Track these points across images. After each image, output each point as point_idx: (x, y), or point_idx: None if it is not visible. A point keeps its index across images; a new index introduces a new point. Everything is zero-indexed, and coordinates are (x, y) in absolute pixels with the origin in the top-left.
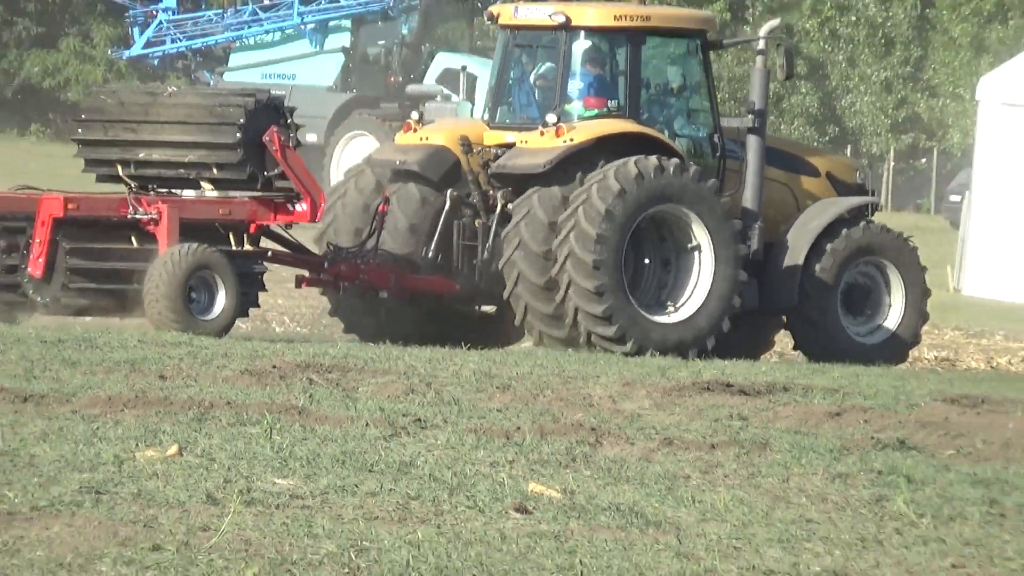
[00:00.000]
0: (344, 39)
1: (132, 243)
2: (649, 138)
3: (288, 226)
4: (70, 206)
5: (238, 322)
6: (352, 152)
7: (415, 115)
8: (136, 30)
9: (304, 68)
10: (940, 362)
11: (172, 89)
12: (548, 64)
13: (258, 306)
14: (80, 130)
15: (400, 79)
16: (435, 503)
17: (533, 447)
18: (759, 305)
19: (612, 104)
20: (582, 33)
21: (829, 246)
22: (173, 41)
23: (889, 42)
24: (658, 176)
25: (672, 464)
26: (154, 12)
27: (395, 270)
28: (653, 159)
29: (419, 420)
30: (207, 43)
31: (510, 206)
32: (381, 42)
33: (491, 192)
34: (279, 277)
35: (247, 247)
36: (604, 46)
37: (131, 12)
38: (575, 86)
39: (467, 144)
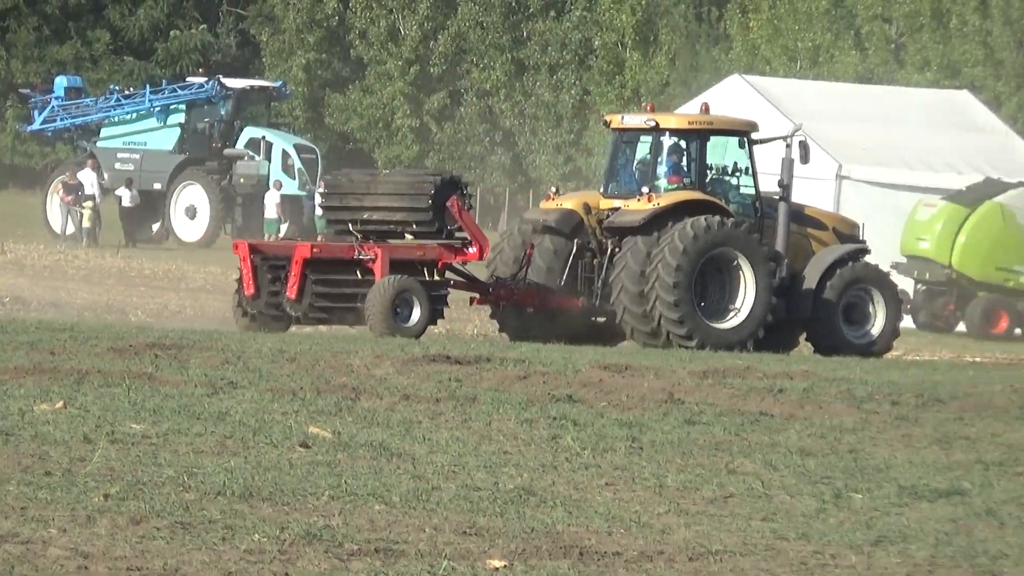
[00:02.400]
0: (181, 117)
1: (357, 275)
2: (710, 203)
3: (464, 264)
4: (315, 250)
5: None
6: (185, 195)
7: (553, 189)
8: (36, 111)
9: (152, 137)
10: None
11: (385, 172)
12: (644, 154)
13: (444, 317)
14: (324, 200)
15: (219, 145)
16: (243, 441)
17: (312, 401)
18: (786, 315)
19: (686, 181)
20: (667, 133)
21: (833, 276)
22: (62, 120)
23: (559, 118)
24: (710, 230)
25: (409, 413)
26: (49, 99)
27: (537, 293)
28: (712, 218)
29: (232, 383)
30: (86, 120)
31: (617, 250)
32: (207, 119)
33: (604, 240)
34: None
35: (436, 278)
36: (681, 142)
37: (33, 99)
38: (661, 169)
39: (588, 208)
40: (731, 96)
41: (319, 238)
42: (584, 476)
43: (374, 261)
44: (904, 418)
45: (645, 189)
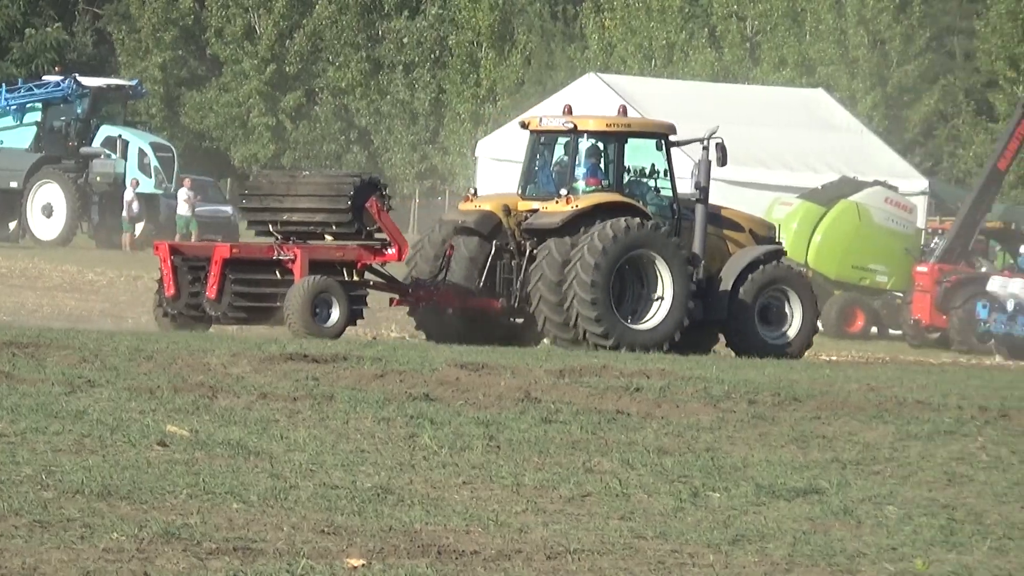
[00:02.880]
0: (37, 116)
1: (277, 275)
2: (628, 205)
3: (383, 264)
4: (234, 251)
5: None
6: (41, 193)
7: (472, 190)
8: None
9: (9, 136)
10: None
11: (305, 173)
12: (562, 156)
13: (363, 318)
14: (244, 201)
15: (76, 143)
16: (101, 440)
17: (169, 399)
18: (703, 317)
19: (604, 183)
20: (584, 135)
21: (749, 277)
22: None
23: (414, 116)
24: (629, 232)
25: (266, 411)
26: None
27: (455, 294)
28: (631, 219)
29: (89, 381)
30: None
31: (535, 251)
32: (63, 118)
33: (523, 242)
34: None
35: (355, 278)
36: (599, 144)
37: None
38: (579, 171)
39: (507, 209)
40: (587, 94)
41: (177, 237)
42: (441, 475)
43: (293, 261)
44: (761, 417)
45: (563, 191)
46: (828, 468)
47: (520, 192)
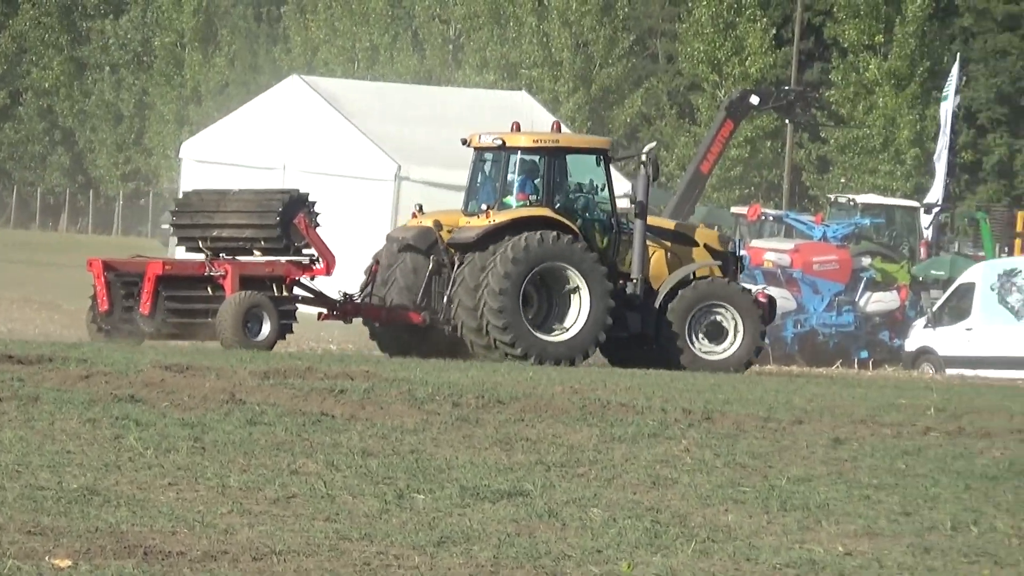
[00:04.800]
0: None
1: (209, 291)
2: (550, 220)
3: (312, 279)
4: (167, 267)
5: None
6: None
7: (416, 207)
8: None
9: None
10: None
11: (234, 190)
12: (495, 172)
13: (292, 332)
14: (174, 218)
15: None
16: None
17: None
18: (641, 331)
19: (533, 198)
20: (516, 151)
21: (680, 293)
22: None
23: (119, 117)
24: (542, 244)
25: None
26: None
27: (382, 308)
28: (545, 232)
29: None
30: None
31: (461, 264)
32: None
33: (453, 256)
34: None
35: (285, 293)
36: (528, 160)
37: None
38: (510, 186)
39: (439, 225)
40: (290, 97)
41: None
42: (147, 476)
43: (225, 277)
44: (465, 419)
45: (483, 206)
46: (532, 470)
47: (463, 208)
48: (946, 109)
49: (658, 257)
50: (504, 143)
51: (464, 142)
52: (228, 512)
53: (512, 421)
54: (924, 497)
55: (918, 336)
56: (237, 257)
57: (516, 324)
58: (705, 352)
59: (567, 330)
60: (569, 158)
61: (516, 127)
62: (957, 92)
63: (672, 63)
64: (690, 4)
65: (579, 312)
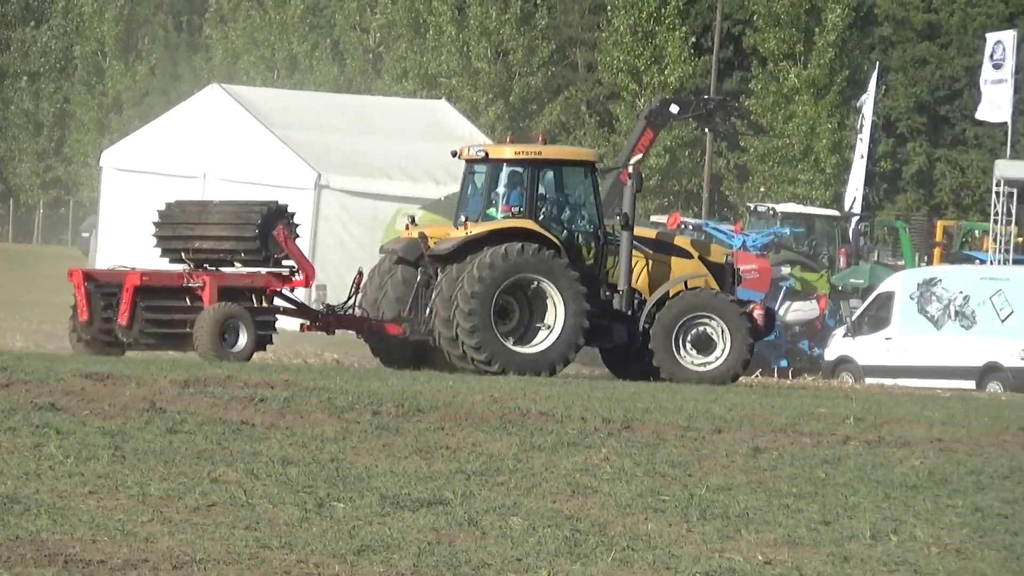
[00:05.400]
0: None
1: (187, 302)
2: (530, 231)
3: (292, 290)
4: (145, 278)
5: None
6: None
7: (409, 218)
8: None
9: None
10: None
11: (215, 202)
12: (480, 184)
13: (272, 343)
14: (157, 229)
15: None
16: None
17: None
18: (628, 343)
19: (515, 210)
20: (498, 164)
21: (667, 304)
22: None
23: (39, 126)
24: (516, 256)
25: None
26: None
27: (364, 319)
28: (512, 245)
29: None
30: None
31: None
32: None
33: (435, 268)
34: None
35: (264, 304)
36: (511, 171)
37: None
38: (494, 198)
39: (424, 238)
40: (211, 105)
41: None
42: (68, 484)
43: (203, 288)
44: (385, 428)
45: (461, 218)
46: (452, 479)
47: (454, 220)
48: (863, 117)
49: (652, 269)
50: (487, 155)
51: (454, 154)
52: (149, 520)
53: (432, 430)
54: (843, 506)
55: (838, 345)
56: (219, 268)
57: (486, 334)
58: (693, 364)
59: (543, 341)
60: (556, 170)
61: (510, 139)
62: (876, 101)
63: (592, 72)
64: (609, 13)
65: (555, 322)
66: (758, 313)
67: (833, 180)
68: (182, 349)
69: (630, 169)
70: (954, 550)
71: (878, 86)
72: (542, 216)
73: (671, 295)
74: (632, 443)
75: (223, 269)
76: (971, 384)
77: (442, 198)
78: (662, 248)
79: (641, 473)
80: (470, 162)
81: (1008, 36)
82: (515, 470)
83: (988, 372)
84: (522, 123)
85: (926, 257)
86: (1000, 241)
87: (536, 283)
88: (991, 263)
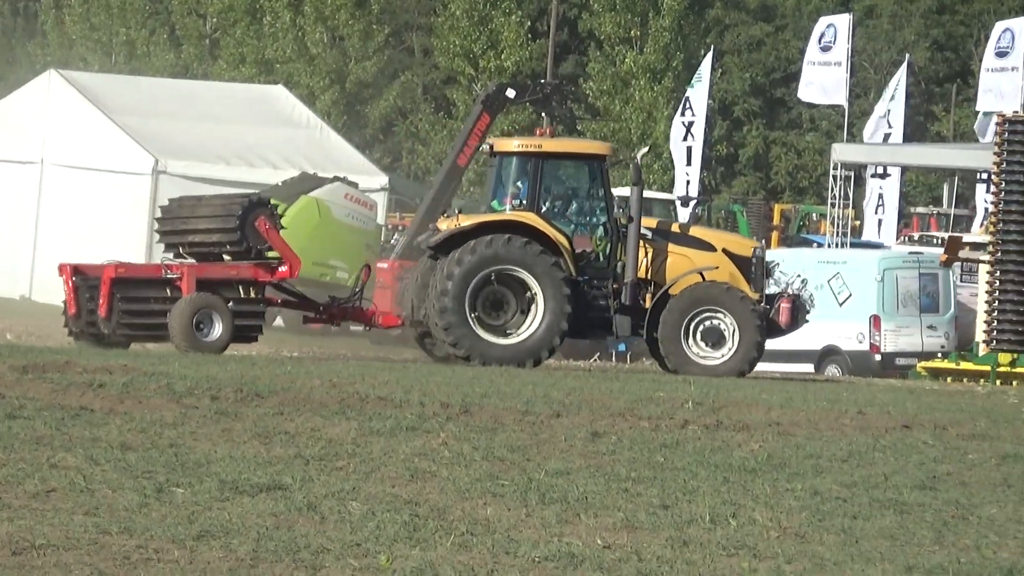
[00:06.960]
0: None
1: (167, 293)
2: (520, 223)
3: (283, 281)
4: (120, 270)
5: None
6: None
7: (453, 211)
8: None
9: None
10: None
11: (207, 196)
12: (492, 176)
13: (262, 333)
14: (158, 224)
15: None
16: None
17: None
18: (630, 335)
19: (515, 203)
20: (502, 156)
21: (677, 296)
22: None
23: None
24: (501, 247)
25: None
26: None
27: (368, 311)
28: (504, 236)
29: None
30: None
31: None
32: None
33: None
34: None
35: (252, 295)
36: (515, 164)
37: None
38: (500, 190)
39: (435, 229)
40: (47, 91)
41: None
42: None
43: (181, 280)
44: (224, 413)
45: (454, 210)
46: (291, 464)
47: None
48: (697, 99)
49: (672, 262)
50: (492, 147)
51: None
52: None
53: (271, 415)
54: (683, 490)
55: None
56: (208, 260)
57: (459, 325)
58: (700, 356)
59: (522, 333)
60: (561, 163)
61: (548, 132)
62: (712, 84)
63: (428, 57)
64: None
65: (535, 314)
66: (784, 306)
67: (671, 165)
68: (160, 340)
69: (639, 159)
70: (793, 533)
71: (712, 69)
72: (546, 209)
73: (688, 286)
74: (471, 428)
75: (202, 261)
76: (810, 367)
77: (279, 183)
78: (682, 241)
79: (480, 458)
80: (490, 155)
81: (843, 20)
82: (354, 455)
83: (826, 356)
84: (358, 108)
85: (763, 241)
86: (838, 224)
87: (519, 276)
88: (828, 247)
